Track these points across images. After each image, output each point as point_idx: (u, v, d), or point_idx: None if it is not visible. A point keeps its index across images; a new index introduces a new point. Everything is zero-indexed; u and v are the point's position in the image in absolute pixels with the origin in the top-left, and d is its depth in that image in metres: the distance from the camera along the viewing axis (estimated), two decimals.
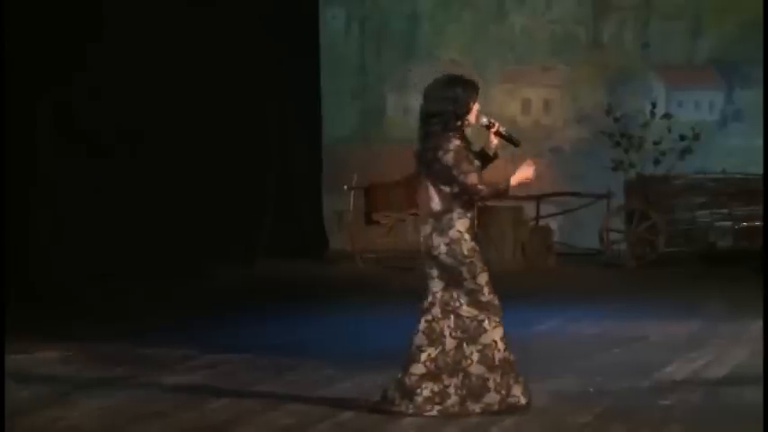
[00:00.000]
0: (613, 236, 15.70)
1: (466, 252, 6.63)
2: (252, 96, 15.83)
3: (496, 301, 6.67)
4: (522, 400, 6.66)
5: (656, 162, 15.89)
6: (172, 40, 14.20)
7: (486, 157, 6.78)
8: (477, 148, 6.81)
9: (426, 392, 6.60)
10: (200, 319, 10.86)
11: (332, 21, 18.34)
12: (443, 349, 6.64)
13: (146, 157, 13.98)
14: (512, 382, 6.62)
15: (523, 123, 18.00)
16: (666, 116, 16.28)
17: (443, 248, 6.62)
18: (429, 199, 6.65)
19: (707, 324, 10.25)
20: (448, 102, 6.60)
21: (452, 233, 6.61)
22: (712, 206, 15.27)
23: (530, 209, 16.30)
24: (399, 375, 6.71)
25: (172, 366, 8.33)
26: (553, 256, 15.17)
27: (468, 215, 6.66)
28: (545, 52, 18.06)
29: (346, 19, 18.51)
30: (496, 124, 6.75)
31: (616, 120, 16.14)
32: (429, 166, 6.63)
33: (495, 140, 6.76)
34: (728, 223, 15.17)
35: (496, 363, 6.61)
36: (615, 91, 17.47)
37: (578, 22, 18.13)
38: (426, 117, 6.66)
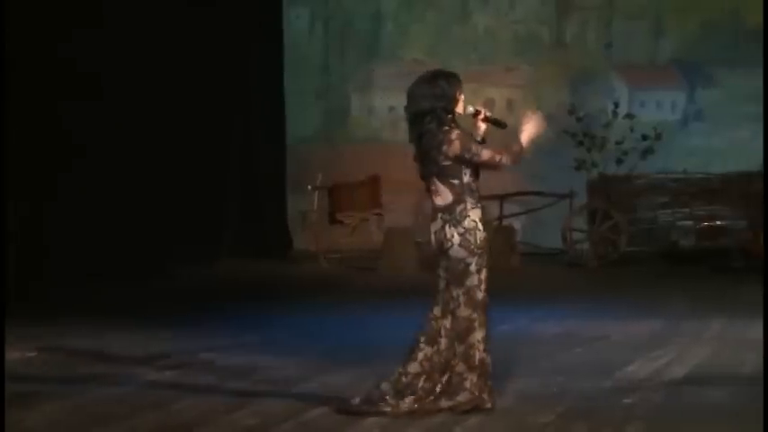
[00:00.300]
0: (576, 235, 15.77)
1: (479, 242, 6.65)
2: (216, 96, 15.79)
3: (487, 300, 6.70)
4: (488, 404, 6.70)
5: (619, 162, 15.97)
6: (137, 40, 14.16)
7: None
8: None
9: (420, 392, 6.62)
10: (164, 319, 10.83)
11: (296, 20, 18.33)
12: (438, 349, 6.66)
13: (109, 157, 13.93)
14: (483, 384, 6.67)
15: None
16: (629, 116, 16.36)
17: (457, 239, 6.61)
18: (437, 195, 6.64)
19: (669, 323, 10.31)
20: (436, 98, 6.62)
21: (467, 222, 6.63)
22: (674, 206, 15.36)
23: (493, 208, 16.35)
24: (397, 372, 6.70)
25: (135, 367, 8.31)
26: (516, 256, 15.22)
27: (479, 205, 6.70)
28: (508, 52, 18.12)
29: (310, 19, 18.50)
30: (482, 110, 6.79)
31: (579, 119, 16.20)
32: (434, 164, 6.62)
33: (482, 126, 6.78)
34: (690, 223, 15.26)
35: (476, 363, 6.65)
36: (578, 91, 17.55)
37: (541, 23, 18.21)
38: (416, 117, 6.65)
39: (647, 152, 15.99)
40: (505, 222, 16.39)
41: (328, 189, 15.88)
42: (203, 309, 11.66)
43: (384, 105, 18.25)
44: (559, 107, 17.20)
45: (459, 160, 6.59)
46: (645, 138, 16.00)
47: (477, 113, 6.76)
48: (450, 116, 6.65)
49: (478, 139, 6.80)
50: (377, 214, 15.80)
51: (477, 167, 6.64)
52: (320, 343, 9.41)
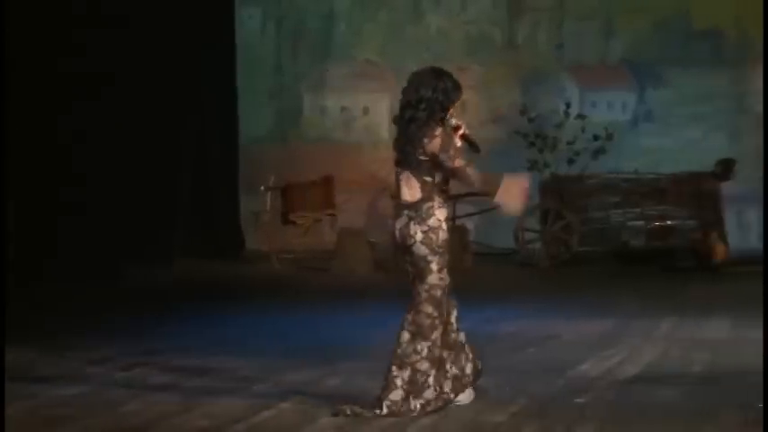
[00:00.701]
0: (528, 235, 15.83)
1: (440, 242, 6.63)
2: (168, 96, 15.73)
3: (445, 299, 6.73)
4: (452, 396, 6.77)
5: (571, 162, 16.06)
6: (90, 38, 14.08)
7: None
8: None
9: (390, 398, 6.63)
10: (117, 320, 10.78)
11: (248, 20, 18.30)
12: (398, 341, 6.69)
13: (60, 158, 13.84)
14: (443, 378, 6.73)
15: None
16: (580, 116, 16.46)
17: (420, 236, 6.60)
18: (408, 189, 6.63)
19: (620, 322, 10.37)
20: (438, 91, 6.61)
21: (432, 221, 6.61)
22: (625, 206, 15.44)
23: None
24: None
25: (86, 368, 8.26)
26: (469, 256, 15.26)
27: (446, 206, 6.69)
28: (460, 53, 18.16)
29: (262, 18, 18.47)
30: (464, 126, 6.78)
31: (531, 120, 16.28)
32: (411, 156, 6.61)
33: (459, 143, 6.76)
34: (641, 223, 15.36)
35: (437, 359, 6.70)
36: (529, 91, 17.63)
37: (493, 23, 18.27)
38: (412, 103, 6.61)
39: (598, 152, 16.09)
40: (458, 222, 16.42)
41: (281, 189, 15.85)
42: (156, 309, 11.62)
43: (337, 105, 18.25)
44: (511, 108, 17.28)
45: (433, 159, 6.57)
46: (596, 138, 16.10)
47: (457, 128, 6.73)
48: (442, 114, 6.62)
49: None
50: (330, 215, 15.80)
51: (446, 172, 6.63)
52: (274, 343, 9.40)
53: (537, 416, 6.73)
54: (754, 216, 16.97)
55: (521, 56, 18.07)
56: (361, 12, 18.38)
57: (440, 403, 6.71)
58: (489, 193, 6.65)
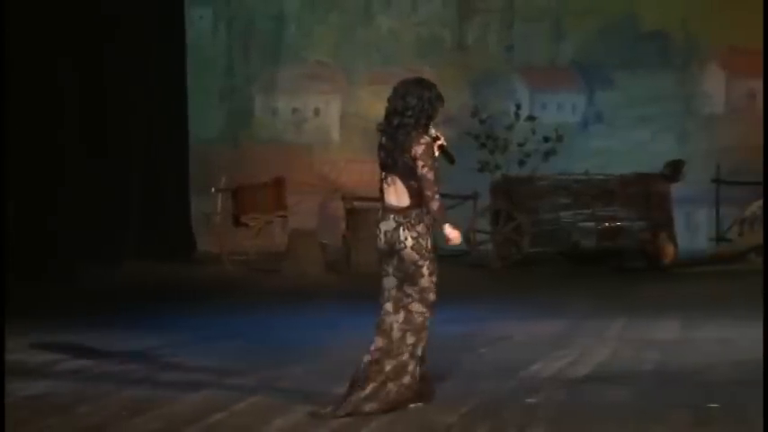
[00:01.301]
0: (480, 236, 15.88)
1: (429, 247, 6.83)
2: (118, 97, 15.65)
3: (434, 301, 6.90)
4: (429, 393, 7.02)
5: (521, 163, 16.13)
6: (38, 37, 13.98)
7: None
8: None
9: (371, 375, 6.78)
10: (67, 321, 10.71)
11: (199, 21, 18.24)
12: (390, 339, 6.84)
13: (12, 155, 13.74)
14: (418, 372, 6.90)
15: None
16: (530, 118, 16.53)
17: (410, 242, 6.79)
18: (395, 194, 6.82)
19: (571, 323, 10.43)
20: (423, 100, 6.85)
21: (421, 228, 6.80)
22: (576, 207, 15.51)
23: None
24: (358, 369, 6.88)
25: (36, 371, 8.22)
26: None
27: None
28: (411, 54, 18.20)
29: (213, 20, 18.43)
30: (442, 138, 6.96)
31: (482, 121, 16.33)
32: (399, 161, 6.79)
33: (436, 153, 6.91)
34: (591, 223, 15.44)
35: (420, 354, 6.89)
36: (480, 93, 17.69)
37: (443, 25, 18.32)
38: (399, 110, 6.84)
39: (548, 154, 16.18)
40: None
41: (232, 191, 15.81)
42: (107, 311, 11.55)
43: (288, 107, 18.22)
44: (462, 109, 17.31)
45: (414, 163, 6.76)
46: (546, 139, 16.18)
47: (436, 138, 6.91)
48: (426, 122, 6.85)
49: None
50: (281, 216, 15.77)
51: (416, 178, 6.77)
52: (225, 345, 9.38)
53: (489, 416, 6.76)
54: (702, 217, 17.13)
55: (471, 57, 18.13)
56: (312, 13, 18.37)
57: (410, 394, 6.85)
58: (438, 221, 6.80)
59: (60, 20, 14.43)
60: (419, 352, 6.87)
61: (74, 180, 14.63)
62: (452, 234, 6.82)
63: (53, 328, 10.28)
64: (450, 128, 18.09)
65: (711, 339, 9.45)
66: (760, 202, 15.66)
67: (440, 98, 6.91)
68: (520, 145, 16.16)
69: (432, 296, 6.85)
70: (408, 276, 6.81)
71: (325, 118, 18.11)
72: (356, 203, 15.80)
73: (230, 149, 18.00)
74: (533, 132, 16.25)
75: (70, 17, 14.62)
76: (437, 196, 6.75)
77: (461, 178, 16.61)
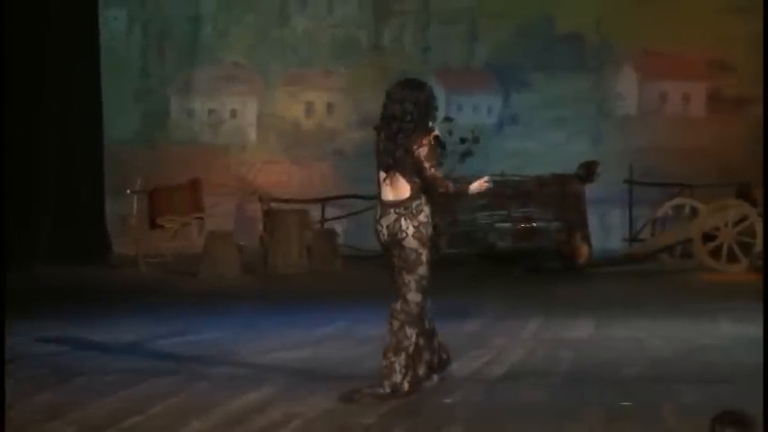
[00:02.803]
0: None
1: (428, 236, 7.27)
2: (30, 97, 15.48)
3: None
4: (424, 379, 7.33)
5: (438, 164, 16.16)
6: None
7: None
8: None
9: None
10: None
11: (113, 22, 18.09)
12: (390, 329, 7.26)
13: None
14: (419, 362, 7.29)
15: (307, 126, 18.13)
16: (447, 119, 16.55)
17: (412, 230, 7.21)
18: (393, 190, 7.20)
19: (488, 323, 10.50)
20: (419, 104, 7.25)
21: (422, 217, 7.22)
22: (492, 208, 15.57)
23: (315, 211, 16.42)
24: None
25: None
26: (339, 259, 15.30)
27: (430, 203, 7.28)
28: (327, 56, 18.21)
29: (128, 20, 18.29)
30: (436, 129, 7.32)
31: None
32: (401, 161, 7.16)
33: (431, 142, 7.26)
34: (507, 224, 15.53)
35: (421, 345, 7.29)
36: None
37: (359, 26, 18.35)
38: (397, 116, 7.21)
39: (465, 155, 16.24)
40: (327, 225, 16.47)
41: (148, 193, 15.70)
42: (19, 314, 11.41)
43: (204, 108, 18.14)
44: (378, 111, 17.32)
45: (418, 164, 7.15)
46: (463, 141, 16.25)
47: (431, 130, 7.25)
48: (427, 123, 7.25)
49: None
50: (198, 218, 15.69)
51: (424, 179, 7.18)
52: (141, 348, 9.32)
53: (406, 416, 6.79)
54: (616, 217, 17.33)
55: (387, 59, 18.17)
56: (228, 14, 18.31)
57: (416, 385, 7.23)
58: (462, 191, 7.37)
59: None
60: (421, 340, 7.23)
61: None
62: (479, 185, 7.34)
63: None
64: (366, 130, 18.15)
65: (625, 338, 9.57)
66: (672, 203, 15.90)
67: (433, 96, 7.34)
68: None
69: (425, 283, 7.25)
70: (408, 265, 7.20)
71: (241, 119, 18.05)
72: (273, 205, 15.77)
73: (146, 151, 17.88)
74: (450, 134, 16.24)
75: None
76: (450, 183, 7.26)
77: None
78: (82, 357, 8.83)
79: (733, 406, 5.68)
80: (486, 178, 7.37)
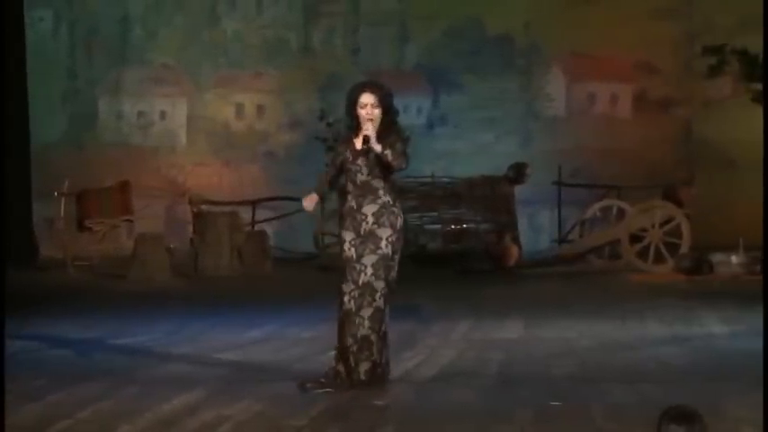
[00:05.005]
0: (328, 239, 15.90)
1: (401, 226, 7.70)
2: None
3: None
4: (363, 377, 7.46)
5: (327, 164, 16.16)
6: None
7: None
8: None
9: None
10: None
11: (39, 23, 17.93)
12: (361, 323, 7.59)
13: None
14: (363, 358, 7.45)
15: (237, 128, 18.08)
16: (328, 124, 16.55)
17: (400, 222, 7.68)
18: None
19: (418, 325, 10.51)
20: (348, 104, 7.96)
21: (397, 208, 7.73)
22: (422, 209, 15.62)
23: (245, 214, 16.37)
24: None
25: None
26: (269, 261, 15.27)
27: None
28: (257, 57, 18.18)
29: (54, 21, 18.13)
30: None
31: (329, 125, 16.34)
32: (382, 163, 7.68)
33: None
34: (437, 226, 15.58)
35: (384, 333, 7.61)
36: (327, 96, 17.71)
37: (289, 28, 18.33)
38: (392, 111, 7.81)
39: None
40: (258, 227, 16.43)
41: (76, 195, 15.58)
42: None
43: (133, 110, 18.03)
44: (309, 112, 17.36)
45: (399, 157, 7.62)
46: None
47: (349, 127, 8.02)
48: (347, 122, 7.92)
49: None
50: (127, 220, 15.59)
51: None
52: (69, 352, 9.24)
53: (338, 419, 6.80)
54: (545, 218, 17.46)
55: (317, 60, 18.17)
56: (157, 16, 18.21)
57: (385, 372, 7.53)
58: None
59: None
60: (384, 328, 7.54)
61: None
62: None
63: None
64: (297, 131, 18.16)
65: (554, 338, 9.64)
66: (600, 204, 16.03)
67: (350, 90, 8.09)
68: None
69: (394, 273, 7.56)
70: (383, 258, 7.48)
71: (171, 121, 17.96)
72: (203, 207, 15.72)
73: (74, 153, 17.73)
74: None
75: None
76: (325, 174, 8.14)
77: (310, 182, 16.63)
78: (9, 362, 8.73)
79: (661, 405, 5.75)
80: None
